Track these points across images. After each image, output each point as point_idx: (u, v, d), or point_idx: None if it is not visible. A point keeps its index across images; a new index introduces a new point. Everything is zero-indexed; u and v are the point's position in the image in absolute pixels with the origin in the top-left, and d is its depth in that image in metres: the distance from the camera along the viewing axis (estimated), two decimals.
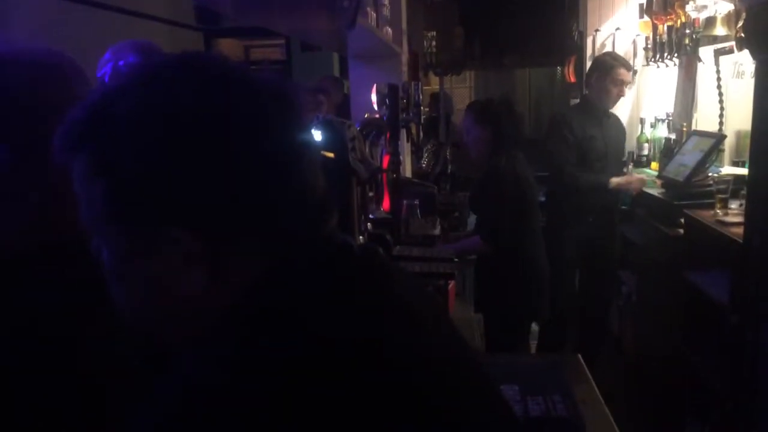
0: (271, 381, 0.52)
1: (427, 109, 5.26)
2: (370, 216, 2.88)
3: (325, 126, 1.87)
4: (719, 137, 3.15)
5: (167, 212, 0.57)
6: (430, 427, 0.56)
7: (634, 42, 4.35)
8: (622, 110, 4.47)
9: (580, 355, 1.66)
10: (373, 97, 2.70)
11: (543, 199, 3.37)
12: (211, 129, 0.57)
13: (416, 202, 3.04)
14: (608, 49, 4.46)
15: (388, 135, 2.87)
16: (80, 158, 0.59)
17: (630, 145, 4.38)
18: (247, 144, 0.58)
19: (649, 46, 4.02)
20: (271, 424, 0.50)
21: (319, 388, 0.52)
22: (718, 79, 3.35)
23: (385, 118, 2.57)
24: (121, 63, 1.94)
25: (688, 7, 3.34)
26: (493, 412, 0.68)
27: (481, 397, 0.67)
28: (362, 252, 0.65)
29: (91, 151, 0.58)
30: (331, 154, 1.84)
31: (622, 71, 3.38)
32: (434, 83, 6.47)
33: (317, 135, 1.79)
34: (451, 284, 3.17)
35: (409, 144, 3.79)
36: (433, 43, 6.01)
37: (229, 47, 5.82)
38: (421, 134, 3.96)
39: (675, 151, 3.46)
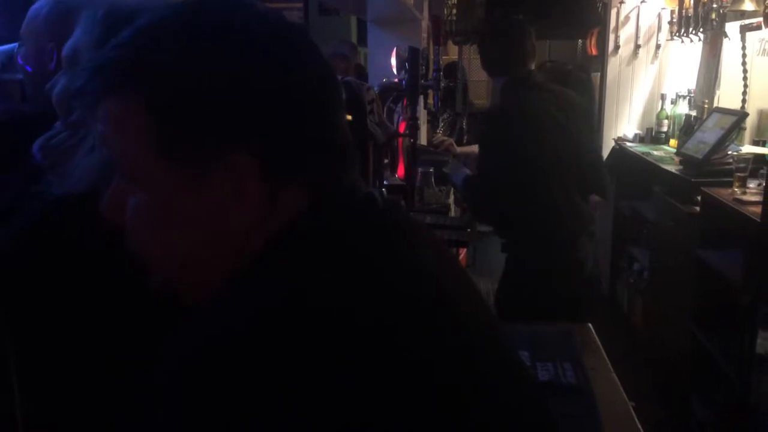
0: (318, 314, 0.52)
1: (444, 78, 5.21)
2: (384, 182, 2.88)
3: (344, 87, 1.86)
4: (741, 115, 3.11)
5: (227, 139, 0.57)
6: (446, 373, 0.56)
7: (659, 15, 4.26)
8: (642, 86, 4.42)
9: (590, 325, 1.67)
10: (393, 61, 2.68)
11: None
12: (265, 54, 0.58)
13: (431, 170, 3.03)
14: (632, 22, 4.38)
15: (405, 101, 2.85)
16: (119, 98, 0.58)
17: (649, 121, 4.34)
18: (299, 68, 0.60)
19: (675, 20, 3.95)
20: (303, 356, 0.50)
21: (361, 323, 0.53)
22: (744, 55, 3.29)
23: (404, 83, 2.55)
24: None
25: None
26: (509, 373, 0.68)
27: (498, 355, 0.67)
28: (385, 204, 0.65)
29: (137, 89, 0.57)
30: (348, 117, 1.84)
31: None
32: (452, 53, 6.39)
33: None
34: (462, 253, 3.18)
35: (426, 112, 3.77)
36: (453, 11, 5.92)
37: None
38: (438, 103, 3.93)
39: (695, 128, 3.41)
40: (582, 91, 3.03)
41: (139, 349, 0.68)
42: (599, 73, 4.66)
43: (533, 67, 2.41)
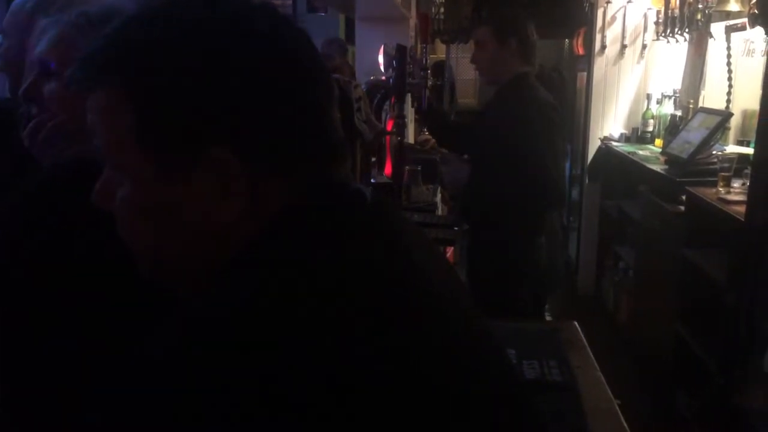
0: (300, 312, 0.52)
1: (431, 77, 5.23)
2: (371, 180, 2.88)
3: None
4: (726, 115, 3.13)
5: (209, 131, 0.56)
6: (433, 374, 0.56)
7: (645, 15, 4.29)
8: (628, 85, 4.45)
9: (576, 323, 1.67)
10: (380, 59, 2.67)
11: None
12: (251, 47, 0.58)
13: (418, 168, 3.03)
14: (619, 22, 4.41)
15: (392, 99, 2.85)
16: (104, 89, 0.58)
17: (635, 121, 4.37)
18: (286, 63, 0.59)
19: (661, 20, 3.98)
20: (284, 352, 0.50)
21: (340, 322, 0.52)
22: (729, 56, 3.32)
23: (391, 81, 2.55)
24: None
25: None
26: (501, 370, 0.68)
27: (489, 352, 0.67)
28: (374, 200, 0.65)
29: (120, 80, 0.57)
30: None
31: None
32: (439, 51, 6.40)
33: None
34: (450, 251, 3.18)
35: (413, 110, 3.77)
36: (441, 9, 5.93)
37: None
38: (426, 101, 3.93)
39: (680, 127, 3.44)
40: (550, 88, 3.05)
41: (126, 324, 0.68)
42: (585, 73, 4.68)
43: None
